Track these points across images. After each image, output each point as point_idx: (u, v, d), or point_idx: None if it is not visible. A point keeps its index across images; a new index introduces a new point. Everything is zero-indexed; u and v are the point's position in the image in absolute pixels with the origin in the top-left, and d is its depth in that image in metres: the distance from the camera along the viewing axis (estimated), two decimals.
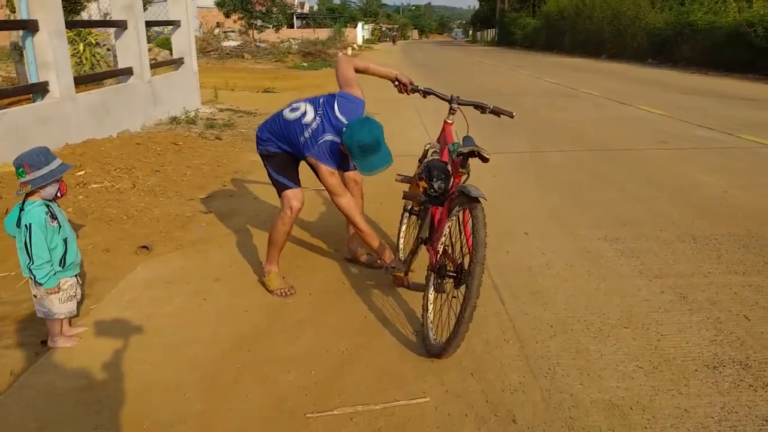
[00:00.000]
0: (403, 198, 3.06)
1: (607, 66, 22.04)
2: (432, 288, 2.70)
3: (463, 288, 2.39)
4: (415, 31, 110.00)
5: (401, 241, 3.67)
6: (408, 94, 3.34)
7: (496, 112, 3.20)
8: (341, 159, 2.98)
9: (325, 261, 3.70)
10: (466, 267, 2.43)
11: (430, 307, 2.67)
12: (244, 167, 6.09)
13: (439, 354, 2.49)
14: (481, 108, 3.20)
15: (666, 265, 3.50)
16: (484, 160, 2.63)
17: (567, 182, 5.42)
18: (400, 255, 3.61)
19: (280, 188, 3.14)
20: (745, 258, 3.59)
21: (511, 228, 4.21)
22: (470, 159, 2.70)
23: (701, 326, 2.79)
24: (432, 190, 2.68)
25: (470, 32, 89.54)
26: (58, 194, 2.63)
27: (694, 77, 16.65)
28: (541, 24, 40.41)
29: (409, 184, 3.19)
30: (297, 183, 3.16)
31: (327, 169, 2.86)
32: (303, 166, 3.11)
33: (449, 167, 2.76)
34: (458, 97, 3.18)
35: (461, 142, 2.74)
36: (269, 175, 3.19)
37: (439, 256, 2.66)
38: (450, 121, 3.20)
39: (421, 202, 2.94)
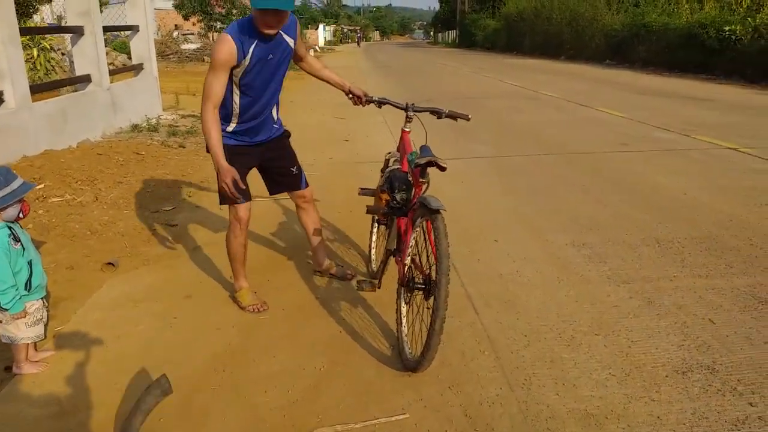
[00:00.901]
0: (367, 212, 3.02)
1: (566, 67, 22.45)
2: (403, 301, 2.71)
3: (432, 300, 2.39)
4: (377, 33, 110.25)
5: (372, 251, 3.67)
6: (363, 106, 3.32)
7: (453, 116, 3.20)
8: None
9: (295, 275, 3.67)
10: (434, 277, 2.45)
11: (404, 321, 2.68)
12: (210, 176, 5.98)
13: (414, 368, 2.50)
14: (437, 113, 3.16)
15: (633, 270, 3.58)
16: (442, 169, 2.63)
17: (532, 186, 5.50)
18: (372, 266, 3.61)
19: (227, 195, 2.96)
20: (708, 261, 3.70)
21: (481, 234, 4.25)
22: (429, 168, 2.70)
23: (669, 331, 2.87)
24: (395, 202, 2.69)
25: (431, 33, 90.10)
26: (20, 215, 2.55)
27: (650, 78, 17.09)
28: (501, 25, 40.89)
29: (372, 197, 3.18)
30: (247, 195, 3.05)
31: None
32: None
33: (410, 177, 2.77)
34: (413, 104, 3.13)
35: (419, 152, 2.74)
36: (217, 177, 2.95)
37: (407, 268, 2.66)
38: (407, 129, 3.18)
39: (385, 215, 2.93)
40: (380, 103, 3.26)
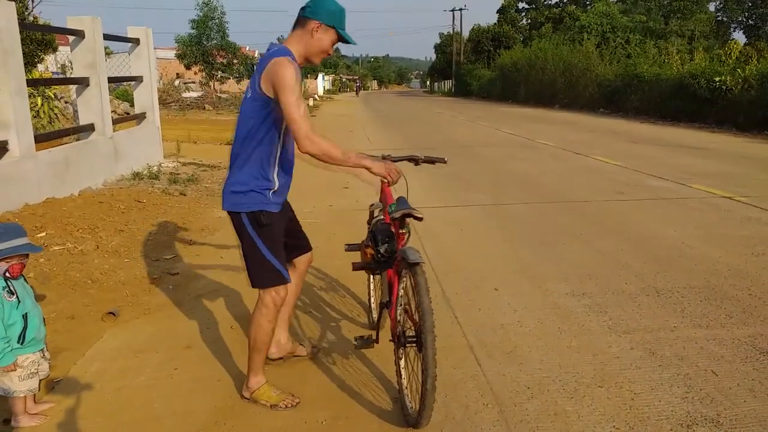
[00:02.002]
0: (353, 269, 2.93)
1: (561, 116, 22.85)
2: (398, 355, 2.69)
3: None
4: (375, 82, 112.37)
5: (372, 302, 3.66)
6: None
7: (430, 161, 3.15)
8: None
9: (298, 322, 3.66)
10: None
11: (403, 373, 2.65)
12: (211, 224, 6.04)
13: (415, 425, 2.46)
14: (413, 161, 3.12)
15: (633, 320, 3.59)
16: (418, 219, 2.68)
17: (531, 235, 5.54)
18: (373, 316, 3.60)
19: (273, 274, 2.57)
20: (707, 311, 3.71)
21: (481, 283, 4.27)
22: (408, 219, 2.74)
23: (672, 383, 2.86)
24: (379, 255, 2.71)
25: (428, 83, 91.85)
26: (7, 274, 2.51)
27: (643, 126, 17.40)
28: (496, 75, 41.86)
29: (359, 252, 3.16)
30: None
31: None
32: None
33: (393, 228, 2.79)
34: (390, 155, 3.06)
35: (396, 204, 2.77)
36: (255, 253, 2.57)
37: (396, 322, 2.64)
38: (386, 181, 3.03)
39: (373, 269, 2.93)
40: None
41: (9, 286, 2.50)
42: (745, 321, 3.55)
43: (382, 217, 3.02)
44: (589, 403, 2.70)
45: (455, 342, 3.34)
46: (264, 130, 2.45)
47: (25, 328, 2.54)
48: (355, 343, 2.88)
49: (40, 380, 2.65)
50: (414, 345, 2.47)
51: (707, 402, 2.69)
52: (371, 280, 3.65)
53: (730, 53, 19.97)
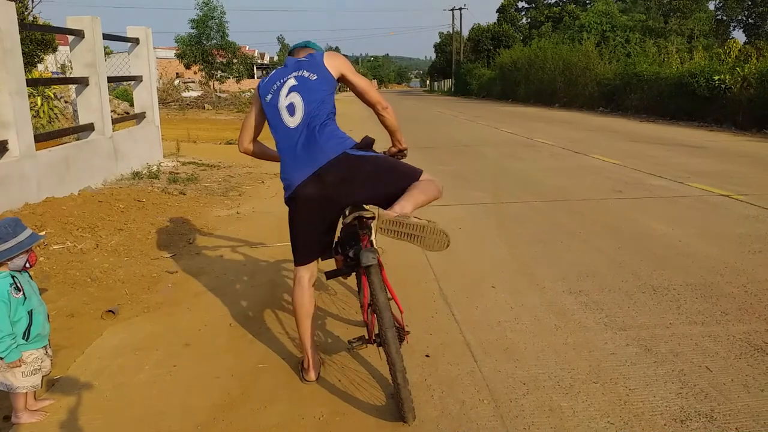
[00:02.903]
0: (327, 279, 2.95)
1: (560, 115, 22.87)
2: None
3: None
4: (374, 81, 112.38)
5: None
6: None
7: (393, 155, 3.11)
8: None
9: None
10: (402, 324, 2.52)
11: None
12: (210, 223, 6.06)
13: (404, 420, 2.49)
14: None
15: (629, 317, 3.61)
16: (369, 218, 2.76)
17: (529, 233, 5.57)
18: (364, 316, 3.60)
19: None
20: (703, 308, 3.73)
21: (479, 281, 4.29)
22: (369, 220, 2.78)
23: (666, 379, 2.88)
24: (348, 260, 2.75)
25: (427, 82, 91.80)
26: (27, 264, 2.59)
27: (642, 125, 17.41)
28: (495, 74, 41.87)
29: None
30: None
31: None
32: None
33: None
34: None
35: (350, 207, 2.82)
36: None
37: (374, 323, 2.66)
38: None
39: (346, 274, 2.92)
40: None
41: (16, 283, 2.53)
42: (740, 318, 3.57)
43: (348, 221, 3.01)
44: (584, 398, 2.72)
45: (452, 339, 3.37)
46: (332, 104, 2.74)
47: (30, 325, 2.57)
48: (349, 345, 2.90)
49: (43, 377, 2.68)
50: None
51: (701, 397, 2.71)
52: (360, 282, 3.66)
53: (729, 52, 19.99)
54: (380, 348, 2.66)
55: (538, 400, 2.72)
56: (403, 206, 2.48)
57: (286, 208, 2.77)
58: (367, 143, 2.70)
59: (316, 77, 2.71)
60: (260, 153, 3.09)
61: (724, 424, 2.50)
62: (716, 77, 16.76)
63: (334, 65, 2.76)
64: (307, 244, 2.80)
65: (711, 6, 37.54)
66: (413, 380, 2.81)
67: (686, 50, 25.45)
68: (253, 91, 32.92)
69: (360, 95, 2.85)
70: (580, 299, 3.92)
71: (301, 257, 2.83)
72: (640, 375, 2.92)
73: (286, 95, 2.68)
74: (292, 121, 2.66)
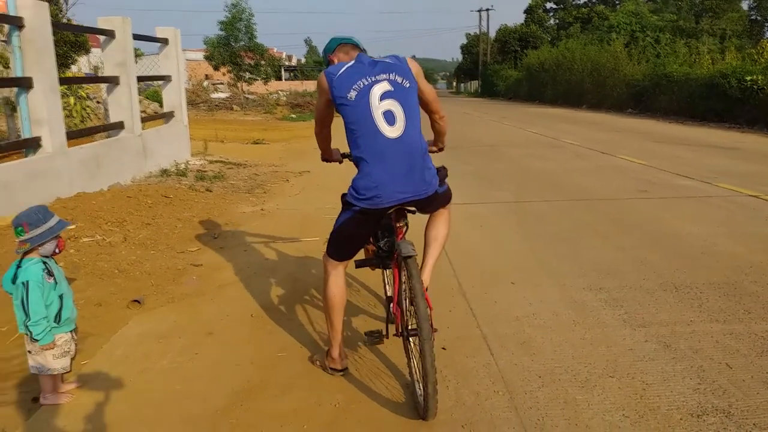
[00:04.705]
0: (356, 267, 3.00)
1: (588, 116, 22.63)
2: (406, 346, 2.74)
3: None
4: None
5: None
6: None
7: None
8: None
9: (315, 313, 3.73)
10: (432, 323, 2.49)
11: (413, 363, 2.69)
12: (235, 219, 6.17)
13: (424, 416, 2.47)
14: None
15: (649, 314, 3.59)
16: (411, 212, 2.75)
17: (552, 231, 5.54)
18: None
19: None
20: (726, 306, 3.69)
21: (498, 277, 4.30)
22: (408, 213, 2.80)
23: (685, 375, 2.86)
24: (381, 251, 2.77)
25: (453, 83, 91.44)
26: (56, 250, 2.69)
27: (672, 126, 17.15)
28: (522, 76, 41.58)
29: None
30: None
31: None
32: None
33: (392, 223, 2.81)
34: None
35: None
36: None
37: (403, 315, 2.68)
38: None
39: (375, 265, 2.97)
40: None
41: (48, 268, 2.63)
42: (763, 316, 3.52)
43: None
44: (600, 392, 2.72)
45: (469, 333, 3.39)
46: None
47: (60, 308, 2.67)
48: (366, 338, 2.94)
49: (71, 359, 2.77)
50: (416, 337, 2.52)
51: (719, 393, 2.69)
52: (385, 275, 3.70)
53: (762, 52, 19.56)
54: (406, 340, 2.69)
55: (553, 393, 2.72)
56: (425, 279, 2.71)
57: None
58: (444, 176, 2.78)
59: (409, 85, 2.63)
60: (328, 145, 3.09)
61: (741, 420, 2.48)
62: (748, 78, 16.43)
63: (417, 73, 2.71)
64: (356, 245, 2.81)
65: (744, 6, 36.77)
66: None
67: (718, 51, 24.95)
68: (279, 93, 33.24)
69: (425, 104, 2.82)
70: (600, 296, 3.90)
71: (345, 255, 2.80)
72: (657, 370, 2.91)
73: (380, 99, 2.55)
74: (392, 131, 2.54)
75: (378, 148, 2.53)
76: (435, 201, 2.76)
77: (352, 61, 2.66)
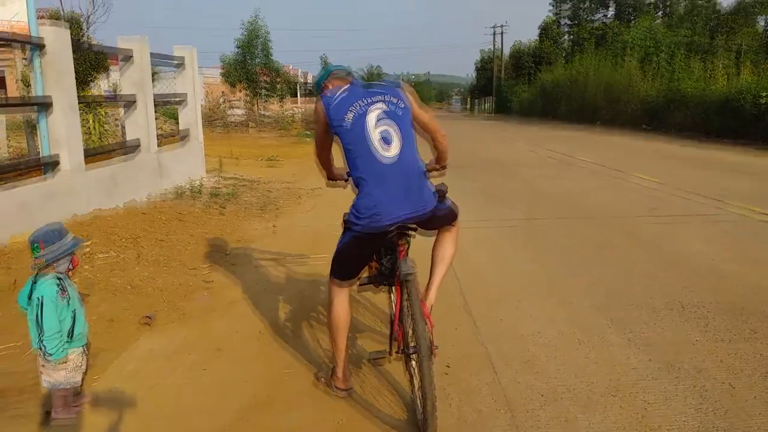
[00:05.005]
0: (359, 286, 3.07)
1: (601, 133, 22.60)
2: (407, 364, 2.79)
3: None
4: None
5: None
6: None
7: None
8: None
9: (323, 330, 3.78)
10: (432, 339, 2.55)
11: (414, 381, 2.74)
12: (247, 236, 6.26)
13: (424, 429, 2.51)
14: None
15: (654, 333, 3.60)
16: (412, 230, 2.81)
17: (561, 250, 5.56)
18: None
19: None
20: (732, 326, 3.68)
21: (505, 295, 4.33)
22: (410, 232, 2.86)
23: (687, 394, 2.87)
24: (383, 268, 2.83)
25: (468, 101, 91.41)
26: (71, 268, 2.78)
27: (686, 144, 17.07)
28: (536, 93, 41.63)
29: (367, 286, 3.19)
30: None
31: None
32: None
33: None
34: None
35: None
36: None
37: (403, 334, 2.74)
38: None
39: (378, 282, 3.03)
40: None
41: (62, 285, 2.72)
42: None
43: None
44: (601, 411, 2.74)
45: (474, 351, 3.42)
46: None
47: (73, 324, 2.76)
48: (370, 357, 2.99)
49: (83, 375, 2.85)
50: (416, 355, 2.56)
51: (721, 413, 2.70)
52: (392, 293, 3.74)
53: None
54: (407, 358, 2.74)
55: (555, 412, 2.75)
56: (431, 299, 2.87)
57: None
58: (444, 193, 2.84)
59: (404, 107, 2.72)
60: (330, 166, 3.16)
61: None
62: (763, 94, 16.34)
63: (411, 98, 2.80)
64: (359, 264, 2.87)
65: (761, 21, 36.57)
66: None
67: (734, 66, 24.84)
68: (293, 110, 33.55)
69: (423, 125, 2.88)
70: (606, 315, 3.92)
71: (349, 274, 2.87)
72: (660, 390, 2.92)
73: (376, 122, 2.64)
74: (388, 153, 2.61)
75: (376, 168, 2.61)
76: (437, 219, 2.82)
77: (348, 86, 2.75)
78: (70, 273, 2.83)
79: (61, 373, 2.72)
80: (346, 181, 3.21)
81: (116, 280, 4.57)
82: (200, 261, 5.30)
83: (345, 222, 2.74)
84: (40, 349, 2.65)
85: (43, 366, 2.72)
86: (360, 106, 2.66)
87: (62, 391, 2.77)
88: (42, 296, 2.64)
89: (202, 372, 3.24)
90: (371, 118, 2.64)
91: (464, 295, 4.34)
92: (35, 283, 2.68)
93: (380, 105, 2.67)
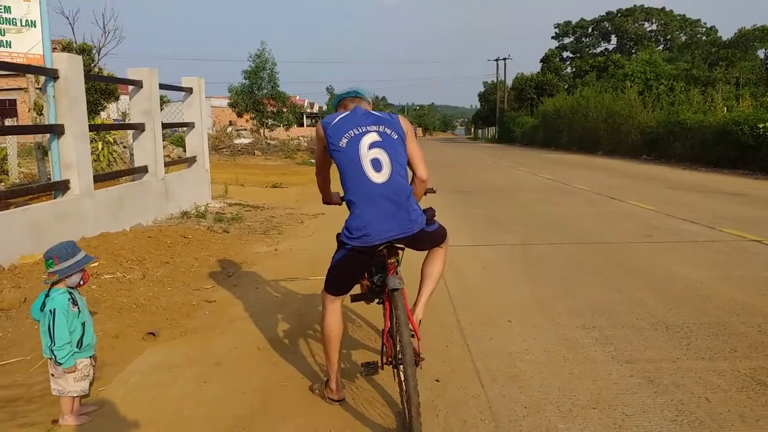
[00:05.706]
0: (351, 301, 3.25)
1: (602, 162, 22.85)
2: (396, 376, 2.94)
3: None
4: (420, 129, 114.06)
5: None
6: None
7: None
8: None
9: (319, 346, 3.93)
10: (418, 351, 2.71)
11: (402, 390, 2.88)
12: (249, 258, 6.44)
13: None
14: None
15: (637, 351, 3.74)
16: (399, 248, 3.00)
17: (553, 273, 5.72)
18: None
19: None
20: (713, 345, 3.82)
21: (496, 315, 4.47)
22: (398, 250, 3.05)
23: (664, 407, 3.01)
24: (374, 285, 3.01)
25: (471, 129, 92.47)
26: (81, 282, 2.97)
27: (685, 173, 17.27)
28: (538, 122, 42.10)
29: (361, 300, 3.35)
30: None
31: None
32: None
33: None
34: None
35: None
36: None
37: (392, 346, 2.88)
38: None
39: (370, 299, 3.20)
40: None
41: (73, 298, 2.91)
42: (748, 355, 3.65)
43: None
44: (581, 422, 2.88)
45: (463, 366, 3.57)
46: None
47: (82, 335, 2.93)
48: (362, 370, 3.14)
49: (90, 384, 3.01)
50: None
51: (696, 425, 2.83)
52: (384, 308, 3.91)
53: None
54: (395, 369, 2.90)
55: (537, 422, 2.89)
56: (418, 314, 3.06)
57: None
58: (432, 215, 3.04)
59: (397, 137, 2.89)
60: (327, 188, 3.42)
61: None
62: (761, 125, 16.57)
63: (406, 129, 2.99)
64: (351, 280, 3.03)
65: (761, 54, 37.09)
66: (421, 401, 3.00)
67: (733, 98, 25.17)
68: (299, 139, 34.00)
69: (409, 159, 2.99)
70: (592, 334, 4.06)
71: (341, 290, 3.03)
72: (638, 403, 3.06)
73: (369, 148, 2.81)
74: (378, 177, 2.79)
75: (366, 191, 2.79)
76: (425, 239, 3.01)
77: (347, 112, 2.98)
78: (79, 288, 3.01)
79: (69, 380, 2.89)
80: (339, 204, 3.42)
81: (122, 299, 4.75)
82: (203, 282, 5.48)
83: (338, 241, 2.93)
84: (51, 357, 2.82)
85: (52, 374, 2.89)
86: (355, 132, 2.86)
87: (70, 399, 2.93)
88: (54, 308, 2.82)
89: (201, 384, 3.39)
90: (364, 143, 2.83)
91: (457, 314, 4.49)
92: (48, 295, 2.87)
93: (374, 134, 2.86)
